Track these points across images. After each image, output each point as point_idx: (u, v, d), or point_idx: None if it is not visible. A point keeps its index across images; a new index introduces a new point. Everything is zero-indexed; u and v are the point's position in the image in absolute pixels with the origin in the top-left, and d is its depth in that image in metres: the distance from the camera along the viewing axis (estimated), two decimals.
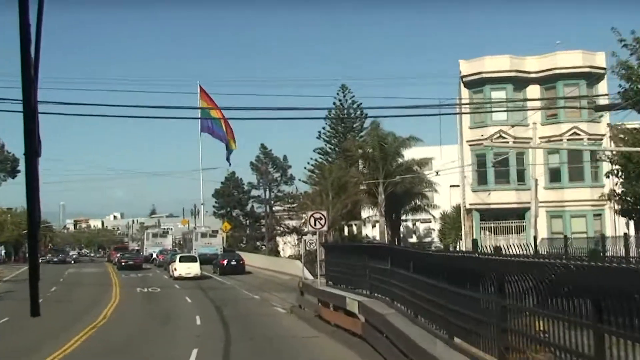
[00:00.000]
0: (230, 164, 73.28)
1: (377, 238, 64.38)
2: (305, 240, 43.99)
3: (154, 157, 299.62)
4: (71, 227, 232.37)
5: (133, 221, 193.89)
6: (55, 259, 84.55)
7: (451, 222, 58.09)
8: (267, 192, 69.16)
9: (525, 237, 38.18)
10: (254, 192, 77.12)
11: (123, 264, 55.83)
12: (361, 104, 79.29)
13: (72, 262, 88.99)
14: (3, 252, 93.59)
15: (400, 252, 16.76)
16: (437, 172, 48.79)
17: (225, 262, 48.69)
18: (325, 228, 28.47)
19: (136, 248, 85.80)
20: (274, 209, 74.77)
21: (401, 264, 14.27)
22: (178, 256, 46.79)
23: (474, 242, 21.91)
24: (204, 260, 57.79)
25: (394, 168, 49.14)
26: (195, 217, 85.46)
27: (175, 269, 44.86)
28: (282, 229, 72.21)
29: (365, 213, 62.22)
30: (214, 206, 78.24)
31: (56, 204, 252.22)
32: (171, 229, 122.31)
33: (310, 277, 44.13)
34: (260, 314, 25.65)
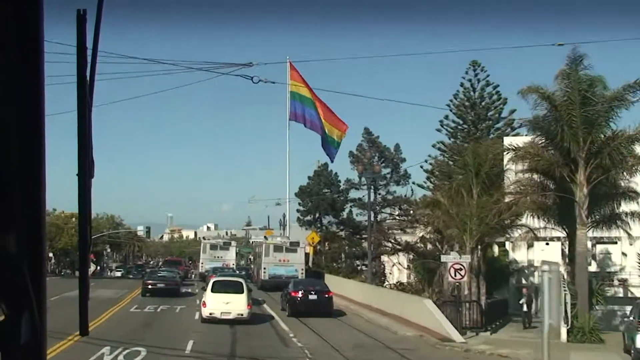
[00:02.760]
0: (332, 161, 54.01)
1: (541, 264, 42.49)
2: (449, 264, 23.20)
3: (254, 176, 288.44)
4: (165, 237, 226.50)
5: (226, 232, 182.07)
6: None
7: None
8: (372, 193, 48.46)
9: None
10: (354, 194, 56.61)
11: (150, 287, 36.99)
12: (498, 85, 57.67)
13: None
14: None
15: None
16: None
17: (299, 294, 28.44)
18: None
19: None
20: (381, 216, 54.24)
21: None
22: (211, 282, 27.23)
23: None
24: (277, 285, 38.15)
25: (602, 141, 27.25)
26: (283, 228, 66.69)
27: (205, 304, 25.36)
28: (392, 244, 51.33)
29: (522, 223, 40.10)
30: (297, 210, 58.03)
31: (164, 215, 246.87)
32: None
33: (457, 336, 22.96)
34: None
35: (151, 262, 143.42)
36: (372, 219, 49.70)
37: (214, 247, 57.86)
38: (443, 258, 25.63)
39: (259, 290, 42.89)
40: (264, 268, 43.10)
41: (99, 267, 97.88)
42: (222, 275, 35.52)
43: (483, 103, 58.14)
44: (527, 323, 29.59)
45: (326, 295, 28.38)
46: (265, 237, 51.93)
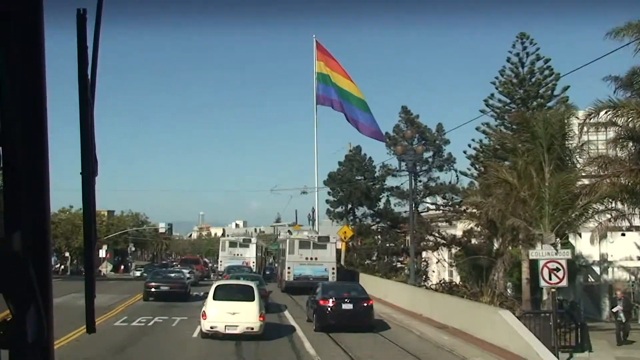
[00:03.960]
0: (386, 142, 48.34)
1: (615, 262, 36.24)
2: (540, 262, 16.40)
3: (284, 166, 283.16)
4: (194, 235, 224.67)
5: (255, 229, 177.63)
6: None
7: None
8: (412, 180, 41.61)
9: None
10: (391, 182, 49.80)
11: (153, 290, 31.18)
12: (550, 59, 50.06)
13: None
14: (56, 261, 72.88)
15: None
16: None
17: (330, 303, 21.86)
18: None
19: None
20: (422, 206, 47.57)
21: None
22: (213, 286, 21.10)
23: None
24: (304, 287, 32.00)
25: None
26: (312, 223, 60.37)
27: (204, 315, 19.33)
28: (435, 238, 44.67)
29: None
30: (327, 200, 51.32)
31: (196, 213, 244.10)
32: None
33: None
34: None
35: (179, 260, 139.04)
36: (413, 209, 42.98)
37: (233, 244, 52.76)
38: (532, 253, 18.89)
39: (283, 292, 36.70)
40: (288, 267, 36.70)
41: (123, 267, 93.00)
42: (234, 274, 29.46)
43: (533, 79, 50.79)
44: (623, 336, 22.68)
45: (364, 304, 21.70)
46: (289, 231, 45.67)
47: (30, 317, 1.76)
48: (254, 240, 55.30)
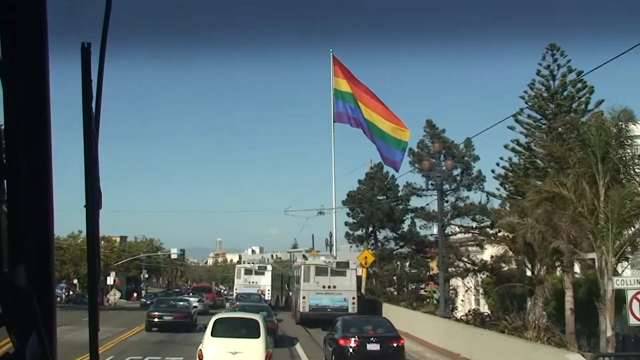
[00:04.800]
0: (397, 170, 45.25)
1: None
2: (629, 293, 12.58)
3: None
4: (210, 262, 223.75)
5: (272, 255, 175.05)
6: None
7: None
8: (440, 199, 37.83)
9: None
10: (415, 202, 46.07)
11: (156, 320, 28.86)
12: (582, 71, 46.19)
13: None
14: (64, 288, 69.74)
15: None
16: None
17: (352, 342, 18.18)
18: None
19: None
20: (450, 229, 43.76)
21: None
22: (212, 320, 17.56)
23: None
24: (321, 319, 28.50)
25: None
26: (330, 248, 56.86)
27: (200, 354, 16.16)
28: (464, 264, 40.81)
29: None
30: (346, 223, 47.53)
31: (212, 240, 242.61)
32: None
33: None
34: None
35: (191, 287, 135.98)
36: (438, 233, 39.19)
37: (248, 271, 51.12)
38: (617, 282, 15.12)
39: (298, 324, 33.02)
40: (303, 297, 32.94)
41: (136, 294, 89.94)
42: (242, 303, 26.33)
43: (565, 92, 47.03)
44: None
45: (394, 344, 17.89)
46: (304, 256, 42.12)
47: (33, 350, 1.71)
48: (269, 267, 53.08)
